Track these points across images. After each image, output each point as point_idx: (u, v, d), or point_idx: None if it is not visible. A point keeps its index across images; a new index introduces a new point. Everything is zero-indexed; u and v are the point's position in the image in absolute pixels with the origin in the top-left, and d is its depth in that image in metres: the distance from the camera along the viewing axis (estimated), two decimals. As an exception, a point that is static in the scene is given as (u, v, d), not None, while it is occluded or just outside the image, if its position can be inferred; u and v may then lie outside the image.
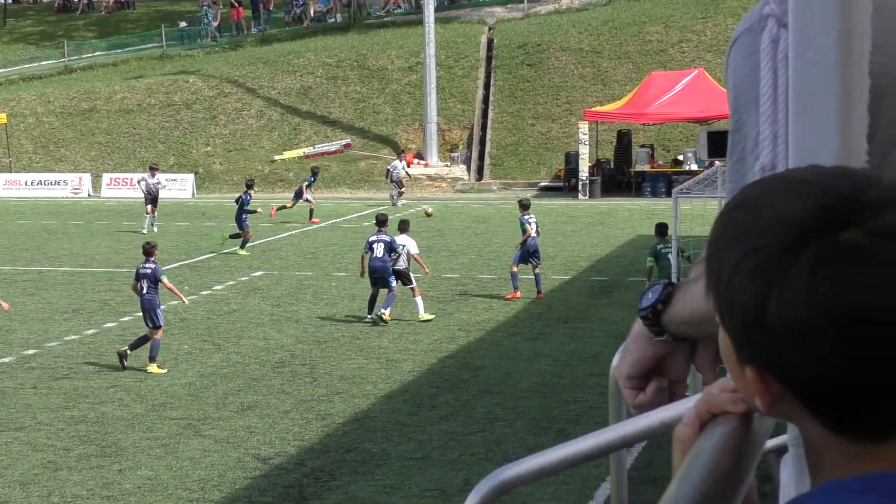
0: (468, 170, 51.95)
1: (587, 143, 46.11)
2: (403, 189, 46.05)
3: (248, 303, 25.71)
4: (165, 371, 19.83)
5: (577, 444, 2.18)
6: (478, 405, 17.38)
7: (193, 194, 51.17)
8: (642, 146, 47.47)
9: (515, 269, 25.44)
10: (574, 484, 13.77)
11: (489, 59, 57.19)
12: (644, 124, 47.28)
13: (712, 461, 1.50)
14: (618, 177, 47.36)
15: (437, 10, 54.83)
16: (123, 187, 52.31)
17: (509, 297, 25.06)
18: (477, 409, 17.19)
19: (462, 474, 14.36)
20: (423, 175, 51.39)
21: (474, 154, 52.65)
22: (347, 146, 53.37)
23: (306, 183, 41.95)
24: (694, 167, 43.01)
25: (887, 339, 1.38)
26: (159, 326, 20.42)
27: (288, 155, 53.73)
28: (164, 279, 21.15)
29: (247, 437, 16.31)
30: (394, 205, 43.72)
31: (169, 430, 16.72)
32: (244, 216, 33.76)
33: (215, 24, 68.27)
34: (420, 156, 52.84)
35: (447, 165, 52.26)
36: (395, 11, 66.57)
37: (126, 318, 24.36)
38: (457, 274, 28.46)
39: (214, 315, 24.42)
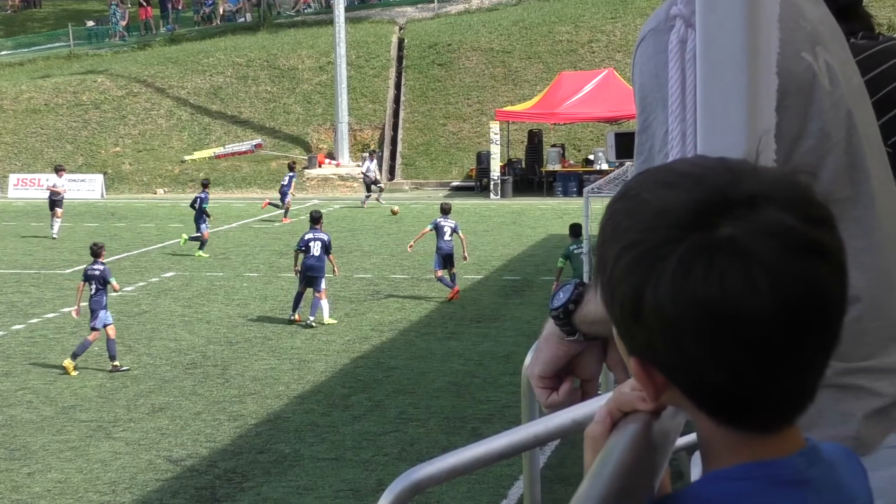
0: (380, 169, 51.93)
1: (499, 142, 46.23)
2: (382, 186, 46.05)
3: (159, 304, 25.53)
4: (76, 374, 19.63)
5: (490, 443, 2.19)
6: (391, 405, 17.38)
7: (103, 195, 50.70)
8: (553, 146, 47.67)
9: (439, 273, 25.34)
10: (487, 483, 13.80)
11: (400, 58, 57.19)
12: (555, 124, 47.50)
13: (623, 458, 1.50)
14: (529, 176, 47.52)
15: (347, 9, 54.75)
16: (31, 188, 51.67)
17: (450, 297, 24.86)
18: (390, 410, 17.19)
19: (375, 474, 14.35)
20: (335, 175, 51.28)
21: (386, 154, 52.64)
22: (258, 146, 53.15)
23: (286, 181, 41.56)
24: (605, 167, 43.26)
25: (755, 339, 1.39)
26: (96, 329, 20.20)
27: (198, 155, 53.39)
28: (114, 281, 20.94)
29: (158, 439, 16.19)
30: (362, 205, 44.22)
31: (79, 433, 16.56)
32: (203, 218, 33.14)
33: (123, 23, 67.70)
34: (331, 156, 52.73)
35: (359, 165, 52.19)
36: (306, 11, 66.36)
37: (34, 321, 24.11)
38: (369, 274, 28.43)
39: (125, 316, 24.19)
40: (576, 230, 22.55)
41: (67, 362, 19.84)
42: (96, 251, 21.16)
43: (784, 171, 1.47)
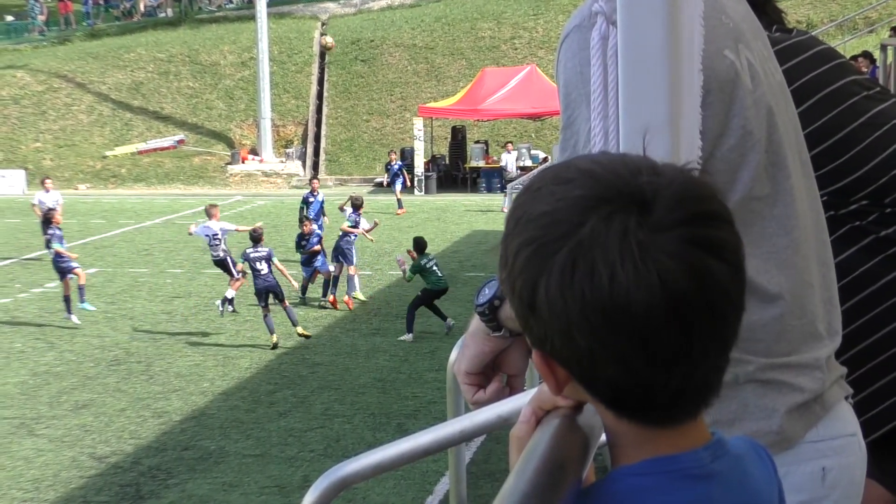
0: (303, 166, 51.73)
1: (422, 138, 46.17)
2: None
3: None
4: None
5: (416, 438, 2.20)
6: (316, 401, 17.35)
7: (24, 190, 50.14)
8: (477, 142, 47.66)
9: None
10: (413, 479, 13.82)
11: (322, 54, 57.00)
12: (478, 120, 47.51)
13: (546, 454, 1.52)
14: (453, 172, 47.47)
15: (269, 5, 54.46)
16: (-49, 184, 51.07)
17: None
18: (315, 406, 17.16)
19: (301, 471, 14.33)
20: (258, 171, 51.06)
21: (309, 150, 52.45)
22: (181, 142, 52.79)
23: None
24: (528, 163, 43.38)
25: (643, 333, 1.39)
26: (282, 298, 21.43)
27: (120, 151, 52.93)
28: (276, 260, 21.66)
29: (82, 436, 16.08)
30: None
31: (1, 430, 16.40)
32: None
33: (42, 17, 66.98)
34: (254, 152, 52.48)
35: (282, 161, 51.97)
36: (227, 6, 65.98)
37: (-45, 318, 23.86)
38: (293, 270, 28.30)
39: (47, 313, 23.99)
40: (420, 245, 21.50)
41: (300, 329, 21.10)
42: (257, 237, 21.69)
43: (680, 168, 1.48)
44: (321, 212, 29.46)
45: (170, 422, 16.65)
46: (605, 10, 2.27)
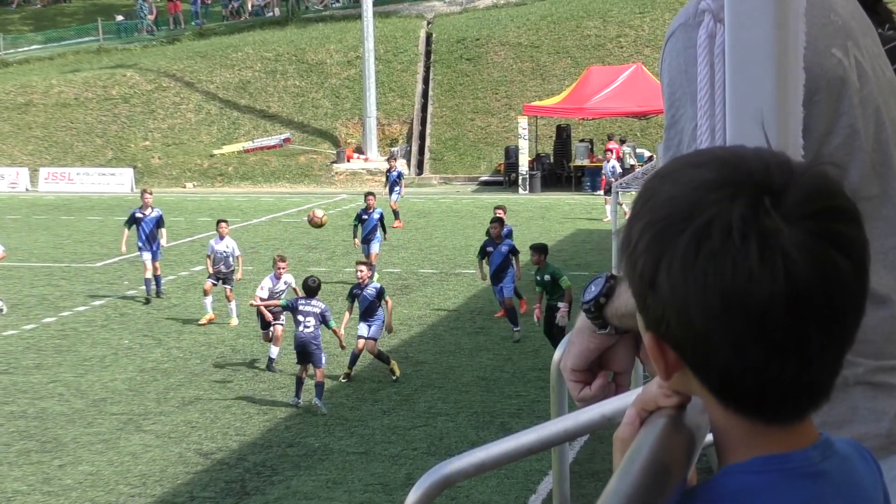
0: (408, 164, 51.93)
1: (527, 137, 46.16)
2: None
3: (189, 297, 25.57)
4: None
5: (520, 437, 2.19)
6: (420, 399, 17.40)
7: (132, 188, 50.86)
8: (581, 141, 47.57)
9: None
10: (516, 478, 13.82)
11: (428, 53, 57.20)
12: (583, 119, 47.39)
13: (651, 453, 1.50)
14: (557, 171, 47.41)
15: (375, 4, 54.70)
16: (61, 182, 51.98)
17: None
18: (419, 404, 17.21)
19: (404, 469, 14.38)
20: (363, 170, 51.33)
21: (414, 149, 52.66)
22: (287, 141, 53.25)
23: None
24: (634, 161, 43.19)
25: (762, 322, 1.39)
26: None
27: (227, 149, 53.53)
28: (333, 324, 18.18)
29: (188, 432, 16.26)
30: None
31: (110, 426, 16.64)
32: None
33: (151, 17, 67.90)
34: (360, 150, 52.77)
35: (387, 160, 52.23)
36: (333, 6, 66.47)
37: (65, 313, 24.22)
38: (398, 269, 28.44)
39: (155, 310, 24.30)
40: (545, 250, 20.01)
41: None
42: (314, 288, 18.22)
43: (812, 163, 1.47)
44: (377, 229, 27.16)
45: (275, 419, 16.78)
46: (713, 8, 2.26)
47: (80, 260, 31.36)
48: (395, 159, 41.09)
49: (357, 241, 27.00)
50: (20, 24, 75.38)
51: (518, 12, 58.85)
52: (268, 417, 16.84)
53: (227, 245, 23.89)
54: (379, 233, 27.22)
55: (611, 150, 42.61)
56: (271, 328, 19.61)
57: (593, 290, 2.37)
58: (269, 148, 53.19)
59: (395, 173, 37.70)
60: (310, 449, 15.33)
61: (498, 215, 23.80)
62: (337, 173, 51.04)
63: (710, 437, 1.59)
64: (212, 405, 17.50)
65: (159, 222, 26.17)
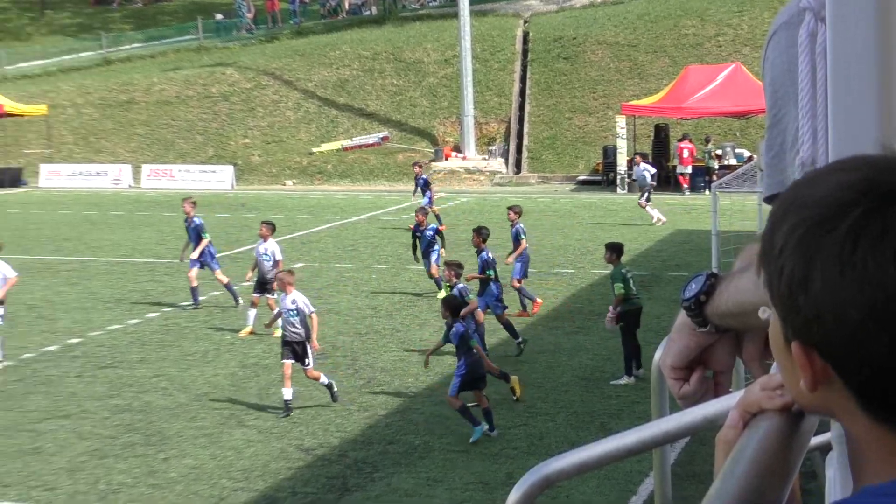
0: (506, 163, 51.95)
1: (625, 136, 46.03)
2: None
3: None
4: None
5: (620, 438, 2.19)
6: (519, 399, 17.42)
7: (233, 185, 51.34)
8: (680, 140, 47.30)
9: (518, 283, 23.90)
10: (617, 479, 13.81)
11: (525, 52, 57.14)
12: (681, 118, 47.07)
13: (756, 457, 1.50)
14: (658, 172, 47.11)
15: (472, 3, 54.74)
16: (163, 178, 52.63)
17: (534, 310, 23.53)
18: (518, 403, 17.23)
19: (504, 468, 14.42)
20: (461, 168, 51.43)
21: (512, 147, 52.66)
22: (385, 139, 53.48)
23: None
24: (733, 161, 42.88)
25: None
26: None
27: (326, 147, 53.86)
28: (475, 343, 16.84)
29: (290, 428, 16.42)
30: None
31: (212, 420, 16.85)
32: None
33: (250, 16, 68.47)
34: (457, 149, 52.87)
35: (485, 159, 52.28)
36: (430, 4, 66.66)
37: (167, 309, 24.53)
38: (497, 268, 28.41)
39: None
40: (620, 250, 19.81)
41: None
42: (459, 304, 17.29)
43: None
44: (434, 243, 26.40)
45: (375, 416, 16.88)
46: (814, 6, 2.23)
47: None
48: (421, 166, 39.87)
49: (416, 255, 26.70)
50: (121, 23, 76.35)
51: (615, 11, 58.63)
52: (368, 414, 16.94)
53: (267, 248, 23.03)
54: (437, 246, 26.63)
55: (682, 149, 42.50)
56: None
57: (694, 287, 2.34)
58: (367, 146, 53.46)
59: (422, 179, 36.67)
60: (410, 446, 15.41)
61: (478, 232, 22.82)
62: (435, 172, 51.14)
63: (814, 441, 1.56)
64: (312, 401, 17.64)
65: (198, 233, 25.30)
